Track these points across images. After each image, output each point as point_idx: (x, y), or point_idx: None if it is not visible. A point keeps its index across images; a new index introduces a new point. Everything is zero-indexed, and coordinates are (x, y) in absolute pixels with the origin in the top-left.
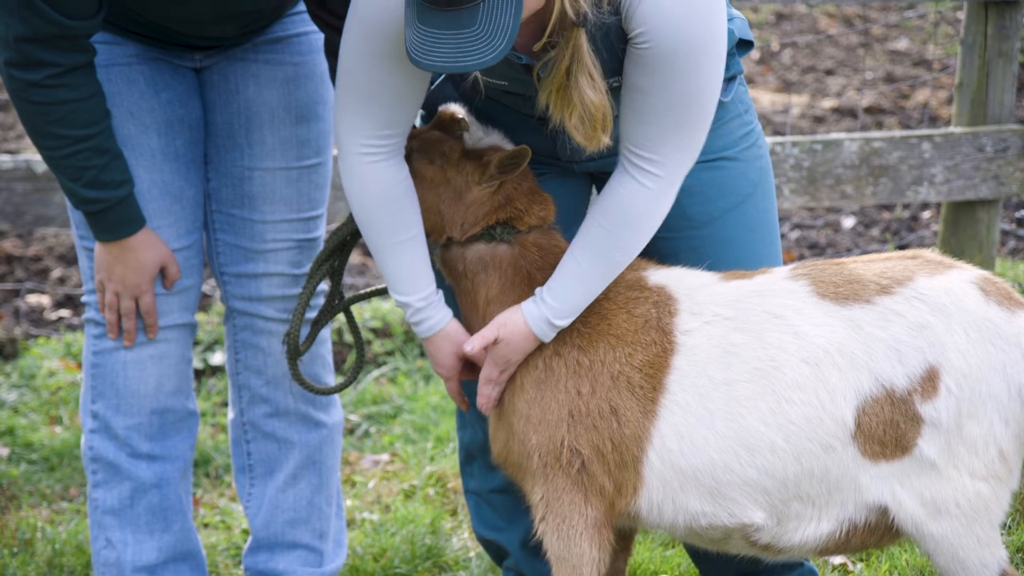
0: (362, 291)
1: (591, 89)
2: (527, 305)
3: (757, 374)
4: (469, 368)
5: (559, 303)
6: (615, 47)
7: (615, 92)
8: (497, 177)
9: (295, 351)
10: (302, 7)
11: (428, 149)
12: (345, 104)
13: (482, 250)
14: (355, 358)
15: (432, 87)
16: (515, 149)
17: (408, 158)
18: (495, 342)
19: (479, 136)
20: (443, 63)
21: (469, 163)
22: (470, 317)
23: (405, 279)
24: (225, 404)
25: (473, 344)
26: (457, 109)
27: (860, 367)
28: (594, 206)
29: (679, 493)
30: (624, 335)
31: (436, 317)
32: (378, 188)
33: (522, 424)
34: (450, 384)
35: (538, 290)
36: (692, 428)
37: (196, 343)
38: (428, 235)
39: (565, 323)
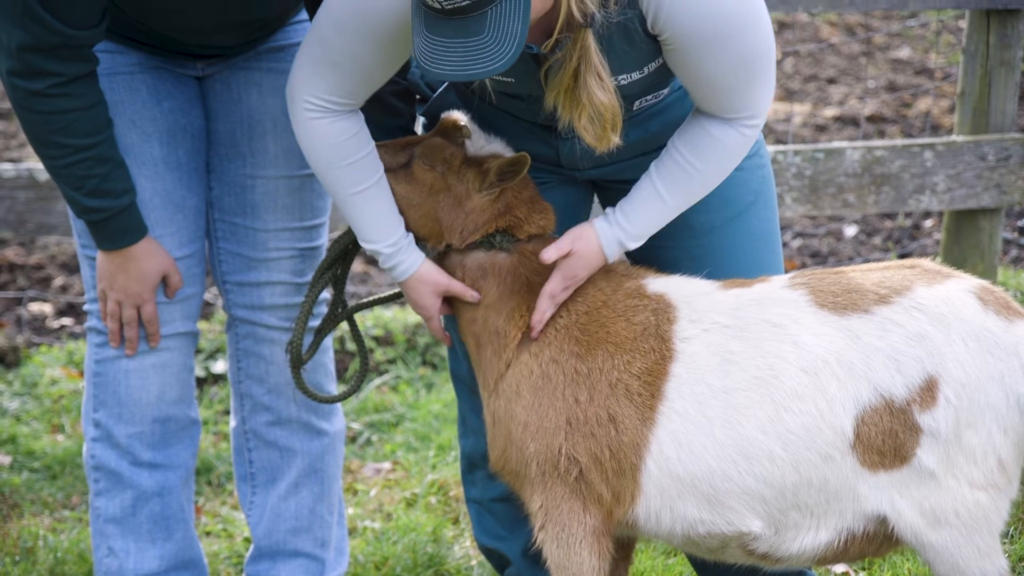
0: (365, 299)
1: (600, 89)
2: (599, 223)
3: (756, 383)
4: (446, 304)
5: (633, 227)
6: (639, 43)
7: (623, 90)
8: (497, 184)
9: (298, 360)
10: (304, 15)
11: (429, 155)
12: (309, 60)
13: (481, 258)
14: (359, 367)
15: (435, 94)
16: (514, 156)
17: (409, 164)
18: (569, 254)
19: (481, 144)
20: (453, 71)
21: (470, 170)
22: (467, 324)
23: (370, 227)
24: (227, 412)
25: (550, 253)
26: (460, 116)
27: (859, 377)
28: (678, 139)
29: (677, 501)
30: (623, 343)
31: (408, 260)
32: (324, 141)
33: (520, 431)
34: (432, 323)
35: (609, 210)
36: (690, 436)
37: (198, 351)
38: (427, 241)
39: (635, 246)
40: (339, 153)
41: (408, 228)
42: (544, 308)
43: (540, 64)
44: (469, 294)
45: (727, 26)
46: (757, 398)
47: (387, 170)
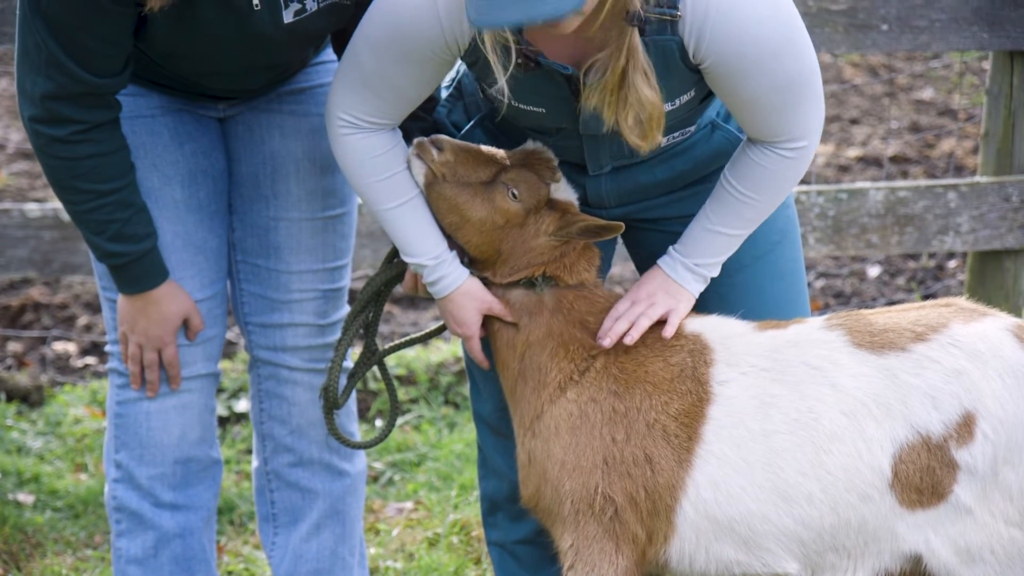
0: (396, 341)
1: (647, 87)
2: (671, 269)
3: (795, 426)
4: (482, 327)
5: (693, 256)
6: (675, 72)
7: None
8: (574, 238)
9: (333, 404)
10: (325, 56)
11: (523, 189)
12: (345, 79)
13: (523, 296)
14: (389, 412)
15: (462, 131)
16: (607, 223)
17: (493, 183)
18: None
19: (560, 187)
20: (515, 16)
21: (549, 213)
22: (507, 359)
23: (411, 242)
24: (250, 451)
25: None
26: (552, 156)
27: (896, 416)
28: (726, 169)
29: (713, 543)
30: (660, 383)
31: (453, 275)
32: (358, 156)
33: (556, 470)
34: (472, 343)
35: (670, 249)
36: (728, 479)
37: (221, 390)
38: (472, 265)
39: (709, 272)
40: (373, 168)
41: (456, 241)
42: (608, 325)
43: (574, 89)
44: (511, 316)
45: (768, 50)
46: (797, 441)
47: (463, 182)
